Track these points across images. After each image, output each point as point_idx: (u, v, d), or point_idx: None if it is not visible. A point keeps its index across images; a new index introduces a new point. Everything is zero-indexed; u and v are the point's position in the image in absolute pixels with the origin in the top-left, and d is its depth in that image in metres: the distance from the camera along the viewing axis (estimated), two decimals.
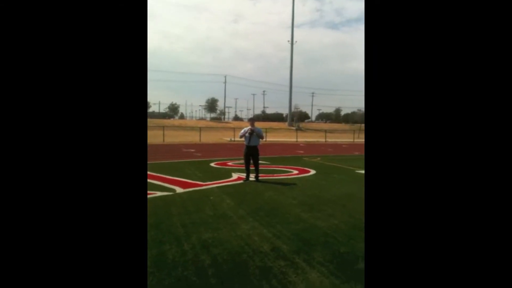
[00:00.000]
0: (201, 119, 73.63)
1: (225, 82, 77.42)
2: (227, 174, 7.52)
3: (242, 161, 6.87)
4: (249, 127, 6.64)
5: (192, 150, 14.36)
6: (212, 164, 9.35)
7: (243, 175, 6.83)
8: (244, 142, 6.72)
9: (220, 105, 74.14)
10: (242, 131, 6.76)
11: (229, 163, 9.52)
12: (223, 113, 75.82)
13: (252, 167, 6.69)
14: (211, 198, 5.07)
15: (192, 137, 23.88)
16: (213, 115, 73.06)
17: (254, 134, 6.57)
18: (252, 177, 6.70)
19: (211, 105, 71.64)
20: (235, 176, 7.22)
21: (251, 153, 6.60)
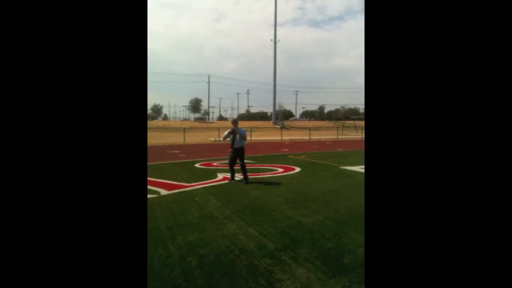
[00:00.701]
0: (185, 119, 72.99)
1: (208, 82, 76.90)
2: (212, 174, 7.48)
3: (227, 161, 6.84)
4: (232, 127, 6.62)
5: (177, 151, 14.20)
6: (197, 165, 9.27)
7: (228, 175, 6.81)
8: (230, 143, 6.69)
9: (204, 105, 73.61)
10: (226, 132, 6.74)
11: (214, 164, 9.47)
12: (207, 113, 75.36)
13: (237, 167, 6.67)
14: (196, 199, 5.03)
15: (176, 138, 23.60)
16: (197, 115, 72.50)
17: (237, 136, 6.55)
18: (238, 177, 6.69)
19: (195, 105, 70.92)
20: (220, 176, 7.19)
21: (237, 155, 6.58)
